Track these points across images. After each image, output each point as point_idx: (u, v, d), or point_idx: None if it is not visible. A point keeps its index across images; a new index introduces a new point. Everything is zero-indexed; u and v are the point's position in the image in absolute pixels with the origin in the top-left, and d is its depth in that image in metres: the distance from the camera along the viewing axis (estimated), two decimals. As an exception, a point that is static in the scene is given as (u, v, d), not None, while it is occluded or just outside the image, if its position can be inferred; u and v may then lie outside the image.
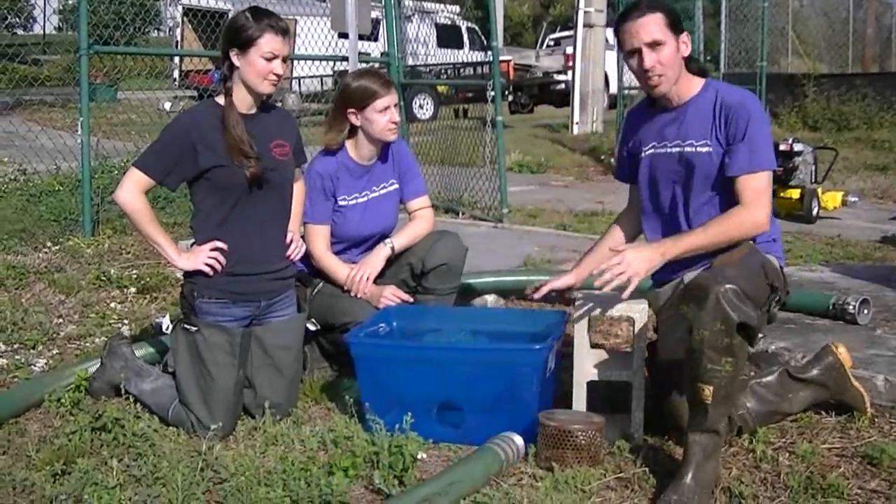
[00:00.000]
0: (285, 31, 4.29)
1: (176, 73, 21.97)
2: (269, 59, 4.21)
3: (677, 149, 4.08)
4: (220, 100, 4.30)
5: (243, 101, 4.28)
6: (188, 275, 4.27)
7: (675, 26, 4.01)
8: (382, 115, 4.84)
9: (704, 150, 4.00)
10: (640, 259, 3.83)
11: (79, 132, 7.84)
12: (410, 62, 11.76)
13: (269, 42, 4.20)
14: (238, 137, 4.18)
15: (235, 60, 4.21)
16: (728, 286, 3.48)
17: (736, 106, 3.96)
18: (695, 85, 4.11)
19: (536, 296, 4.44)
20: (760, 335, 3.76)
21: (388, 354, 4.19)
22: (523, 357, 4.05)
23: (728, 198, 3.99)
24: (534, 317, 4.67)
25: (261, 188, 4.24)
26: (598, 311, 4.12)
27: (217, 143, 4.19)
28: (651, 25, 3.98)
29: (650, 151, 4.19)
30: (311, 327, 4.72)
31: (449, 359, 4.14)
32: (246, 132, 4.20)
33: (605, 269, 3.84)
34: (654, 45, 3.98)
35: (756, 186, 3.91)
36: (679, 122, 4.09)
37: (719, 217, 3.96)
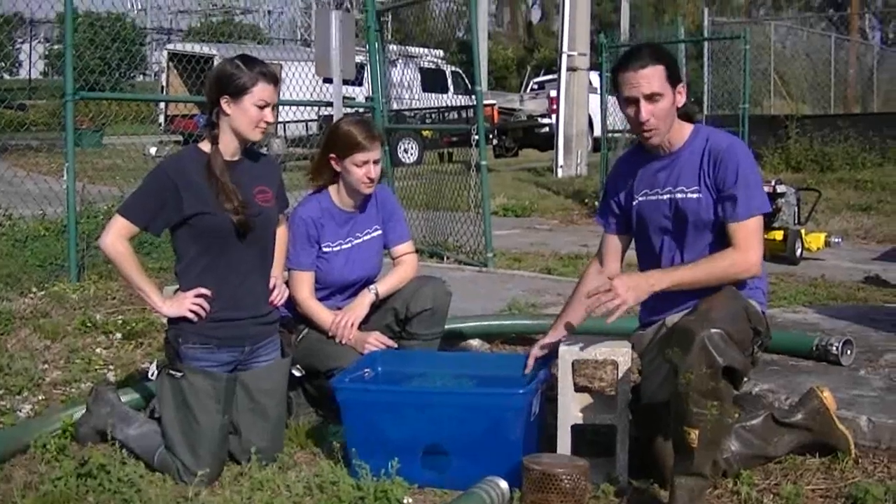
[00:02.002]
0: (276, 80, 4.32)
1: (161, 118, 22.02)
2: (261, 108, 4.24)
3: (668, 195, 4.09)
4: (204, 146, 4.32)
5: (228, 148, 4.30)
6: (173, 320, 4.28)
7: (674, 78, 4.01)
8: (359, 169, 4.86)
9: (694, 196, 4.02)
10: (629, 289, 3.86)
11: (64, 177, 7.85)
12: (395, 106, 11.79)
13: (261, 91, 4.23)
14: (225, 185, 4.20)
15: (226, 108, 4.24)
16: (714, 330, 3.50)
17: (724, 151, 3.97)
18: (685, 131, 4.12)
19: (530, 371, 4.45)
20: (745, 378, 3.78)
21: (374, 399, 4.20)
22: (508, 401, 4.08)
23: (721, 246, 4.01)
24: (519, 361, 4.67)
25: (244, 235, 4.26)
26: (582, 354, 4.14)
27: (201, 189, 4.21)
28: (653, 79, 3.98)
29: (642, 199, 4.20)
30: (297, 373, 4.72)
31: (434, 402, 4.16)
32: (230, 179, 4.23)
33: (595, 296, 3.91)
34: (653, 97, 3.98)
35: (748, 231, 3.94)
36: (670, 169, 4.10)
37: (712, 255, 3.98)
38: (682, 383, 3.52)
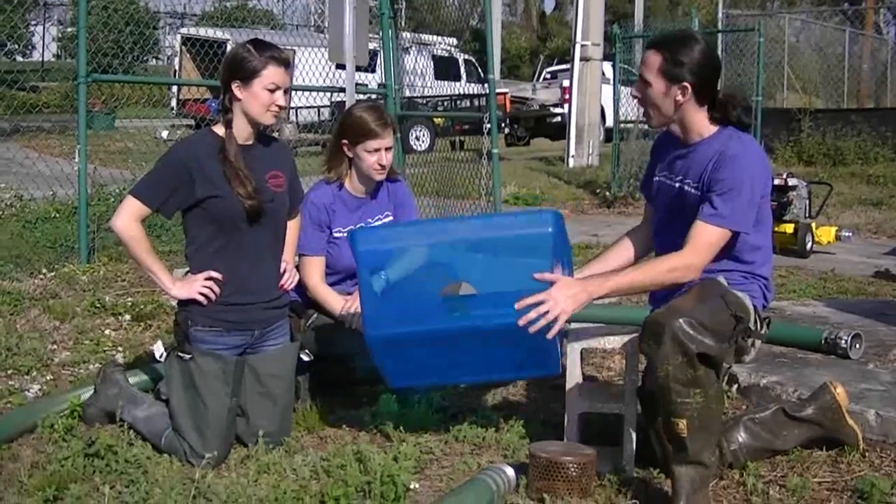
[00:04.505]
0: (287, 63, 4.31)
1: (174, 102, 22.03)
2: (272, 91, 4.23)
3: (679, 184, 4.08)
4: (217, 129, 4.31)
5: (242, 133, 4.29)
6: (182, 303, 4.28)
7: (672, 74, 3.96)
8: (371, 156, 4.86)
9: (694, 191, 4.00)
10: (567, 298, 3.79)
11: (76, 159, 7.87)
12: (407, 94, 11.78)
13: (272, 74, 4.22)
14: (239, 171, 4.20)
15: (237, 92, 4.23)
16: (682, 319, 3.50)
17: (730, 157, 3.89)
18: (708, 129, 4.06)
19: None
20: (726, 364, 3.77)
21: (397, 241, 4.17)
22: (540, 219, 4.00)
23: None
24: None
25: (257, 219, 4.26)
26: (590, 343, 4.13)
27: (214, 173, 4.21)
28: (647, 63, 4.03)
29: (660, 178, 4.22)
30: (305, 358, 4.72)
31: (461, 233, 4.10)
32: (244, 164, 4.23)
33: (530, 306, 3.80)
34: (643, 81, 4.04)
35: (706, 236, 3.86)
36: (685, 160, 4.09)
37: (656, 259, 3.97)
38: (661, 376, 3.53)
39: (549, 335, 3.79)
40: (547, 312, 3.76)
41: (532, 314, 3.77)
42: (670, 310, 3.58)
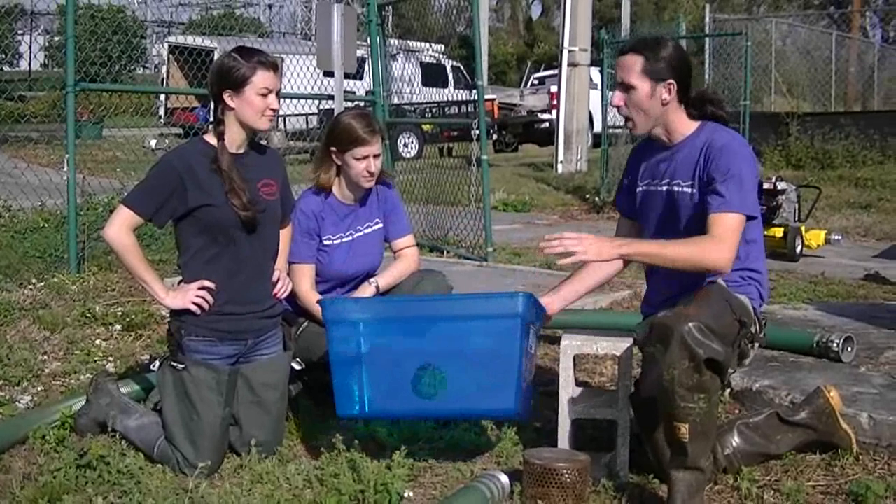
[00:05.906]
0: (275, 67, 4.32)
1: (161, 111, 22.00)
2: (264, 95, 4.23)
3: (666, 187, 4.09)
4: (209, 138, 4.31)
5: (234, 141, 4.29)
6: (175, 313, 4.27)
7: (656, 72, 3.99)
8: (359, 163, 4.86)
9: (688, 190, 4.01)
10: (597, 244, 3.80)
11: (65, 169, 7.84)
12: (395, 101, 11.78)
13: (262, 79, 4.23)
14: (234, 182, 4.19)
15: (230, 102, 4.23)
16: (691, 324, 3.50)
17: (720, 147, 3.93)
18: (690, 126, 4.09)
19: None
20: (731, 370, 3.77)
21: (367, 313, 4.16)
22: (507, 304, 4.01)
23: None
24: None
25: (250, 229, 4.25)
26: (583, 349, 4.13)
27: (207, 181, 4.20)
28: (627, 67, 4.04)
29: (644, 188, 4.22)
30: (297, 366, 4.71)
31: (431, 312, 4.13)
32: (237, 174, 4.22)
33: (558, 238, 3.80)
34: (624, 86, 4.05)
35: (727, 225, 3.82)
36: (670, 161, 4.10)
37: (685, 238, 3.91)
38: (667, 380, 3.53)
39: (561, 261, 3.82)
40: (572, 246, 3.76)
41: (555, 243, 3.77)
42: (678, 314, 3.57)
